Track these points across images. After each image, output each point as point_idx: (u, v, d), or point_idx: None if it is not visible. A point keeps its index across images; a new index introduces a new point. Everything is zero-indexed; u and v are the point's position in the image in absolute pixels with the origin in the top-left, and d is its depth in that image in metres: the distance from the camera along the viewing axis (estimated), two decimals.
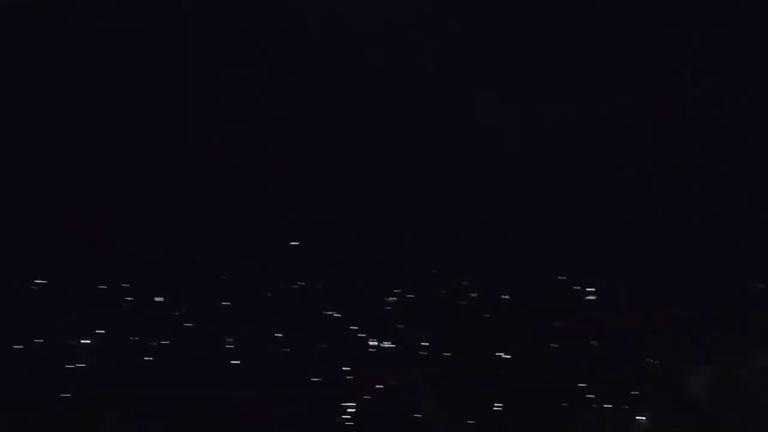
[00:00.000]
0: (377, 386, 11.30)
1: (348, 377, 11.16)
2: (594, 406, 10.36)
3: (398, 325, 12.35)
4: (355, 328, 11.57)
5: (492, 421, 10.97)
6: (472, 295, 12.71)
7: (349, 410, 10.86)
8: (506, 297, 12.32)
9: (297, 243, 10.19)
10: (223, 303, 9.75)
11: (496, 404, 11.06)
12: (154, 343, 8.82)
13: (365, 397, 11.00)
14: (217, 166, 10.43)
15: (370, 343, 11.68)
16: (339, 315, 11.37)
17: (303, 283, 10.61)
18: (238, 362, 9.65)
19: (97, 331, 8.58)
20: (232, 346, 9.38)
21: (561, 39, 8.86)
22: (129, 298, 8.98)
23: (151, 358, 8.78)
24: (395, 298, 11.84)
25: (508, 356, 11.85)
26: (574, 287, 11.43)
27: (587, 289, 11.12)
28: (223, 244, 9.62)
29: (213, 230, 9.37)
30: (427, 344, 11.79)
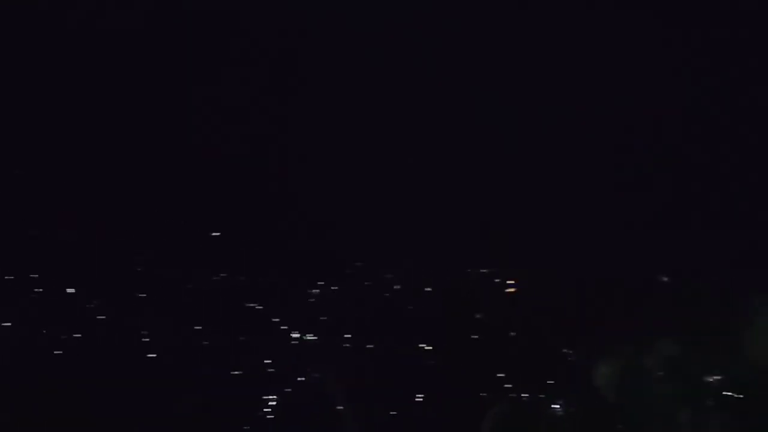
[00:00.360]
0: (299, 379, 11.24)
1: (270, 370, 11.07)
2: (512, 395, 10.50)
3: (322, 318, 12.29)
4: (278, 320, 11.48)
5: (413, 411, 11.05)
6: (396, 287, 12.74)
7: (270, 403, 10.78)
8: (429, 289, 12.39)
9: (218, 234, 10.04)
10: (139, 295, 9.54)
11: (417, 395, 11.15)
12: (64, 336, 8.57)
13: (287, 389, 10.95)
14: (138, 157, 10.23)
15: (293, 335, 11.61)
16: (261, 307, 11.27)
17: (224, 275, 10.47)
18: (155, 355, 9.46)
19: (3, 324, 8.29)
20: (147, 339, 9.19)
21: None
22: (38, 290, 8.69)
23: (60, 352, 8.53)
24: (319, 290, 11.80)
25: (430, 347, 11.92)
26: (495, 280, 11.57)
27: (507, 282, 11.27)
28: (139, 233, 9.42)
29: (129, 219, 9.17)
30: (350, 336, 11.78)
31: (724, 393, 3.32)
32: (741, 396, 3.17)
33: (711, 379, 3.41)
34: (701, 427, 3.24)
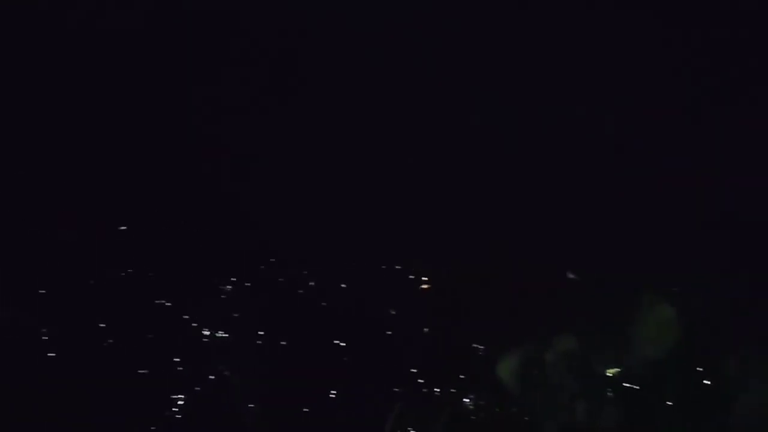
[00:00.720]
0: (209, 377, 10.96)
1: (179, 368, 10.75)
2: (424, 390, 10.57)
3: (234, 314, 12.04)
4: (187, 317, 11.16)
5: (327, 408, 10.99)
6: (310, 283, 12.64)
7: (179, 402, 10.46)
8: (343, 285, 12.34)
9: (125, 228, 9.66)
10: (39, 291, 9.06)
11: (331, 392, 11.09)
12: None
13: (196, 388, 10.66)
14: (38, 151, 9.75)
15: (204, 332, 11.31)
16: (170, 304, 10.92)
17: (131, 271, 10.08)
18: (55, 355, 9.01)
19: None
20: (47, 338, 8.74)
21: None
22: None
23: None
24: (231, 287, 11.55)
25: (344, 344, 11.88)
26: (409, 276, 11.63)
27: (422, 278, 11.35)
28: (40, 226, 8.96)
29: (29, 211, 8.74)
30: (263, 333, 11.58)
31: (617, 384, 3.46)
32: (633, 386, 3.32)
33: (606, 372, 3.54)
34: (597, 416, 3.36)
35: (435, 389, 9.88)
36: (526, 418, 2.95)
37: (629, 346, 3.18)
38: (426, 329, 11.11)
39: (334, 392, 10.51)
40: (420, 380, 10.25)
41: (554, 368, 3.34)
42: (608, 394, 3.22)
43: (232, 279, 10.32)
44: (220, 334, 10.39)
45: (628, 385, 3.08)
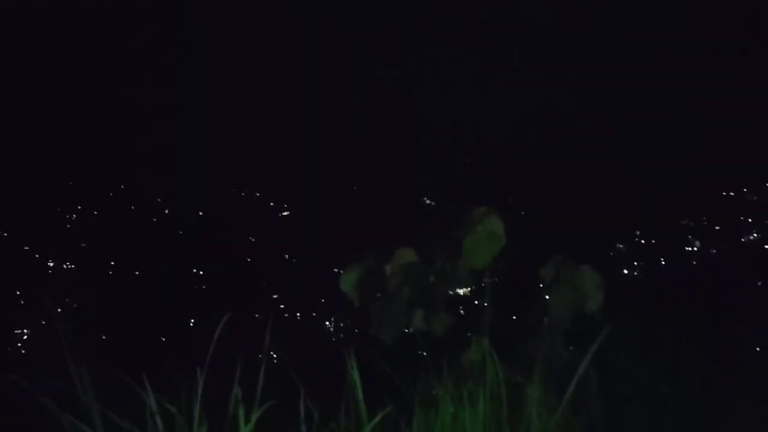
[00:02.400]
0: (57, 310, 10.37)
1: (21, 302, 10.09)
2: (286, 315, 10.53)
3: (82, 244, 11.36)
4: (28, 248, 10.44)
5: (185, 334, 10.76)
6: (165, 211, 12.12)
7: (24, 338, 9.85)
8: (201, 213, 11.92)
9: None
10: None
11: (191, 320, 10.86)
12: None
13: (42, 322, 10.11)
14: None
15: (50, 264, 10.63)
16: (6, 235, 10.15)
17: None
18: None
19: None
20: None
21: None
22: None
23: None
24: (77, 215, 10.89)
25: (202, 272, 11.54)
26: (270, 203, 11.40)
27: (283, 205, 11.15)
28: None
29: None
30: (114, 263, 11.04)
31: (448, 292, 3.64)
32: (460, 294, 3.51)
33: (438, 283, 3.71)
34: (432, 322, 3.53)
35: (297, 314, 9.83)
36: (371, 330, 3.03)
37: (457, 258, 3.32)
38: (286, 255, 10.97)
39: (193, 320, 10.27)
40: (281, 306, 10.18)
41: (393, 279, 3.42)
42: (441, 302, 3.36)
43: (79, 207, 9.75)
44: (68, 264, 9.83)
45: (459, 292, 3.24)
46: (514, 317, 3.44)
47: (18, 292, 9.36)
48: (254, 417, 2.40)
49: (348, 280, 3.70)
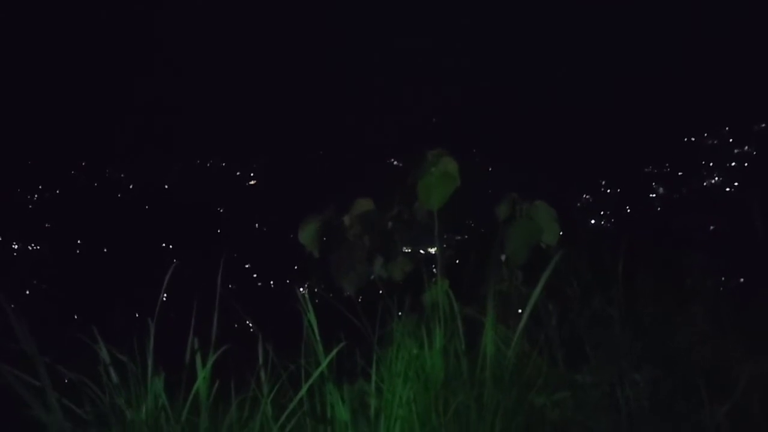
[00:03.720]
0: (25, 292, 10.26)
1: None
2: (259, 284, 10.52)
3: (46, 225, 11.18)
4: None
5: (159, 312, 10.73)
6: (130, 186, 11.96)
7: None
8: (167, 186, 11.78)
9: None
10: None
11: (163, 296, 10.83)
12: None
13: (11, 305, 9.99)
14: None
15: (14, 246, 10.50)
16: None
17: None
18: None
19: None
20: None
21: None
22: None
23: None
24: (38, 195, 10.70)
25: (171, 246, 11.46)
26: (237, 173, 11.30)
27: (250, 174, 11.06)
28: None
29: None
30: (81, 243, 10.92)
31: (407, 238, 3.67)
32: (413, 233, 3.55)
33: (396, 229, 3.72)
34: (393, 270, 3.56)
35: (270, 282, 9.82)
36: (328, 282, 3.05)
37: (412, 201, 3.32)
38: (256, 225, 10.93)
39: (165, 296, 10.24)
40: (254, 275, 10.15)
41: (352, 229, 3.41)
42: (400, 248, 3.38)
43: (40, 187, 9.60)
44: (33, 246, 9.70)
45: (404, 237, 3.25)
46: (472, 255, 3.48)
47: None
48: (210, 360, 2.41)
49: (307, 233, 3.69)
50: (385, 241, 3.84)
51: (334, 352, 2.59)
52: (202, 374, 2.52)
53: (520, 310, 3.39)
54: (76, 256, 10.53)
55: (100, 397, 2.41)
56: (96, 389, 2.38)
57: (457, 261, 3.72)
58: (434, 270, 3.52)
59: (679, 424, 2.77)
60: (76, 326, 2.65)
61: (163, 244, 10.70)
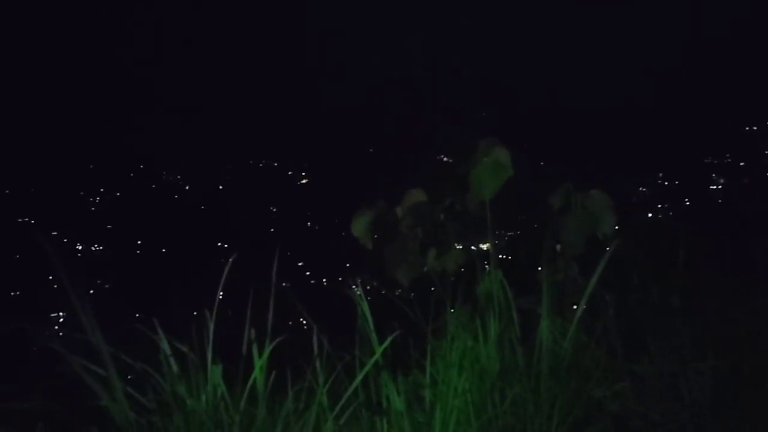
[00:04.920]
0: (90, 291, 10.59)
1: (54, 286, 10.30)
2: (312, 281, 10.56)
3: (108, 226, 11.51)
4: (56, 233, 10.62)
5: (217, 310, 11.01)
6: (186, 188, 12.17)
7: (60, 320, 10.10)
8: (221, 187, 11.98)
9: None
10: None
11: (220, 294, 11.09)
12: None
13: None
14: None
15: (78, 247, 10.82)
16: (35, 221, 10.34)
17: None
18: None
19: None
20: None
21: None
22: None
23: None
24: (99, 198, 11.02)
25: (226, 245, 11.49)
26: (288, 172, 11.40)
27: (301, 173, 11.15)
28: None
29: None
30: (141, 243, 11.17)
31: (461, 230, 3.63)
32: (466, 225, 3.51)
33: (448, 220, 3.70)
34: (446, 262, 3.54)
35: (323, 279, 9.91)
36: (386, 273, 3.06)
37: (464, 191, 3.30)
38: (309, 223, 11.03)
39: (221, 293, 10.40)
40: (307, 272, 10.24)
41: (404, 221, 3.41)
42: (453, 239, 3.36)
43: (100, 190, 9.87)
44: (95, 247, 9.97)
45: (467, 229, 3.22)
46: (524, 246, 3.44)
47: (50, 277, 9.52)
48: (267, 350, 2.45)
49: (360, 225, 3.70)
50: (438, 233, 3.83)
51: (389, 341, 2.60)
52: (259, 364, 2.56)
53: (575, 302, 3.34)
54: (137, 256, 10.80)
55: (162, 386, 2.48)
56: (158, 378, 2.45)
57: (510, 252, 3.69)
58: (486, 263, 3.49)
59: (745, 415, 2.68)
60: (138, 320, 2.73)
61: (219, 243, 10.88)
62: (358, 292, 2.91)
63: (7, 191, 10.15)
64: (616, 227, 3.59)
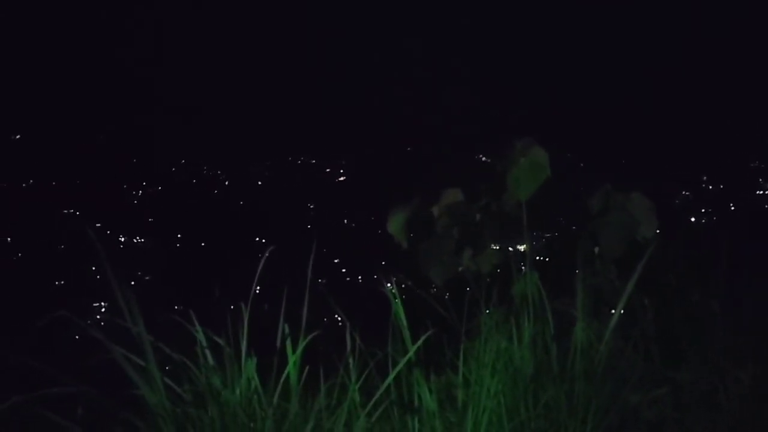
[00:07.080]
0: (131, 283, 10.78)
1: (97, 276, 10.57)
2: (348, 278, 10.62)
3: (149, 220, 11.73)
4: (100, 225, 10.88)
5: (252, 301, 11.14)
6: (226, 183, 12.35)
7: (102, 310, 10.34)
8: (260, 183, 12.12)
9: (19, 137, 9.22)
10: None
11: (256, 287, 11.23)
12: None
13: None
14: None
15: (121, 239, 11.07)
16: (78, 213, 10.59)
17: (32, 181, 9.69)
18: None
19: None
20: None
21: None
22: None
23: None
24: (142, 192, 11.24)
25: (263, 240, 11.73)
26: (326, 169, 11.44)
27: (339, 171, 11.19)
28: None
29: None
30: (181, 236, 11.39)
31: (497, 230, 3.60)
32: (502, 225, 3.48)
33: (485, 220, 3.67)
34: (481, 262, 3.51)
35: (358, 277, 9.94)
36: (419, 270, 3.06)
37: (502, 191, 3.27)
38: (345, 220, 11.09)
39: (258, 287, 10.50)
40: (343, 270, 10.29)
41: (441, 220, 3.40)
42: (489, 239, 3.34)
43: (142, 183, 10.05)
44: (137, 240, 10.14)
45: (498, 227, 3.20)
46: (561, 248, 3.40)
47: (93, 267, 9.77)
48: (301, 345, 2.47)
49: (395, 222, 3.70)
50: (474, 233, 3.81)
51: (422, 339, 2.61)
52: (293, 359, 2.59)
53: (612, 305, 3.30)
54: (177, 249, 11.00)
55: (198, 377, 2.52)
56: (194, 369, 2.50)
57: (547, 254, 3.65)
58: (522, 264, 3.46)
59: None
60: (176, 312, 2.78)
61: (256, 239, 11.00)
62: (393, 290, 2.92)
63: (54, 183, 10.41)
64: (658, 231, 3.53)
